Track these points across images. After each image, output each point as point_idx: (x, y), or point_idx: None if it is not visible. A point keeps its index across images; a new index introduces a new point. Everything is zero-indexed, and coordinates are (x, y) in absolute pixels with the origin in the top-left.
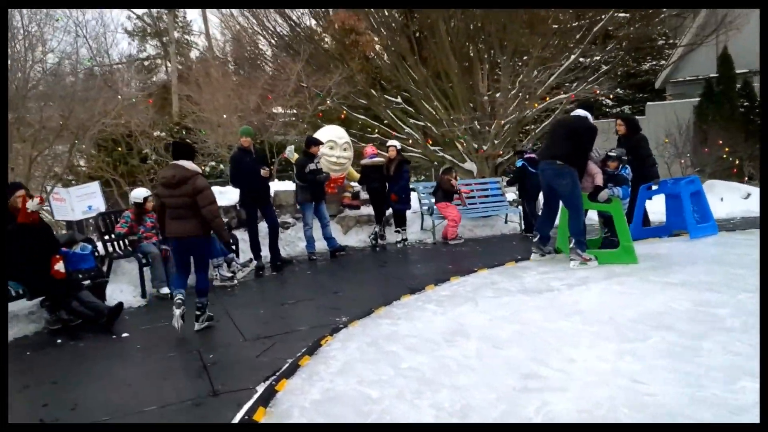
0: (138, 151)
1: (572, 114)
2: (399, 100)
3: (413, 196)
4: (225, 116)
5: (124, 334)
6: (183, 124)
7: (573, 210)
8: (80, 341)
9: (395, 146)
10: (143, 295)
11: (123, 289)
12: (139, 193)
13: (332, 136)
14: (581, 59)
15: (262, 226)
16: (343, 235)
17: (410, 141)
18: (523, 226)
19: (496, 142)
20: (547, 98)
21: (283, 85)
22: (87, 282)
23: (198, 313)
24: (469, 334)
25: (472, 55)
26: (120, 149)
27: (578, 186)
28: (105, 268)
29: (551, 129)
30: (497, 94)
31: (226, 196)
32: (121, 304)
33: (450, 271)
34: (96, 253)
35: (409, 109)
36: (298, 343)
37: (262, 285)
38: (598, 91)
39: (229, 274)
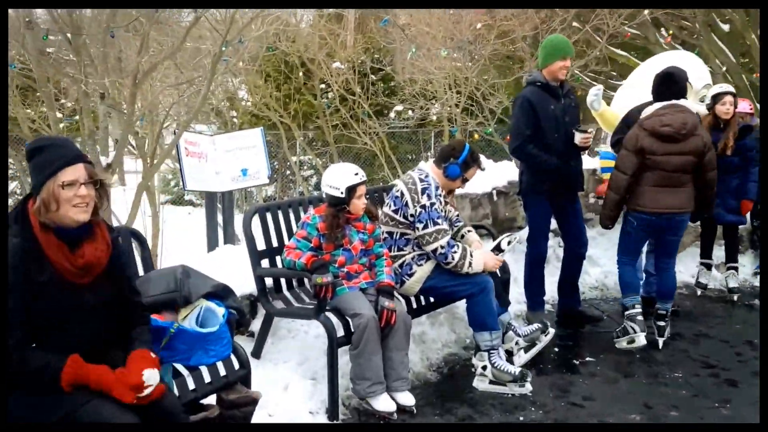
0: (310, 87)
1: None
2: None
3: None
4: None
5: None
6: (376, 49)
7: None
8: None
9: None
10: (333, 413)
11: (289, 384)
12: (343, 177)
13: (696, 69)
14: None
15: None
16: None
17: None
18: None
19: None
20: None
21: None
22: (208, 396)
23: (662, 323)
24: None
25: None
26: (296, 79)
27: None
28: (254, 332)
29: None
30: None
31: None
32: None
33: None
34: (235, 323)
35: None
36: None
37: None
38: None
39: (512, 367)
